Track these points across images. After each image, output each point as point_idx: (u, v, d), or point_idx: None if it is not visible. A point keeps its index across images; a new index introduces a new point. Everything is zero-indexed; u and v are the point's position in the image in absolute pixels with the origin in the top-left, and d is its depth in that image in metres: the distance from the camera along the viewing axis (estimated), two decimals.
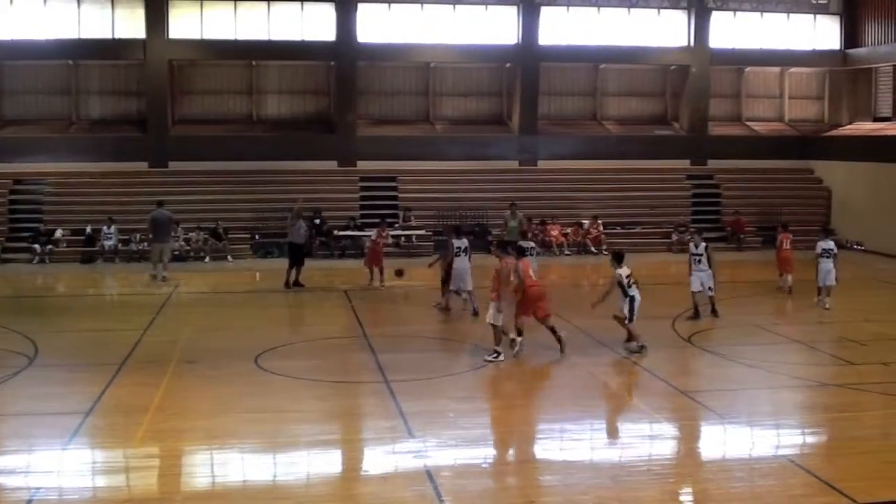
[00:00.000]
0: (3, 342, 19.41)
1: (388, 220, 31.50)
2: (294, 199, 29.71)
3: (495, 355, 17.65)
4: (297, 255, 26.45)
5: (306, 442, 13.42)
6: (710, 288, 22.05)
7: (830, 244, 23.83)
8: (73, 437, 13.37)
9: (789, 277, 25.35)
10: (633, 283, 18.69)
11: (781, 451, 13.37)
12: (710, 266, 21.95)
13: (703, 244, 22.29)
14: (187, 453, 13.15)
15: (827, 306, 23.22)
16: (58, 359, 18.15)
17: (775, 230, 27.52)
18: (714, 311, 22.09)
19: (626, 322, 18.64)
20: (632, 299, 18.57)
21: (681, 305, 22.82)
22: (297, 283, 26.28)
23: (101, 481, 12.18)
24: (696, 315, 21.88)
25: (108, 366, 17.27)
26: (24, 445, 13.36)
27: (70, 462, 12.54)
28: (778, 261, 25.91)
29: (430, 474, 11.93)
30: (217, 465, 12.75)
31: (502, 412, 15.32)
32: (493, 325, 17.74)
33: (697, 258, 21.99)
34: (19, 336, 19.81)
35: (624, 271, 18.74)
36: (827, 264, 23.27)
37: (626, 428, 14.45)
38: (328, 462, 12.99)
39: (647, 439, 13.92)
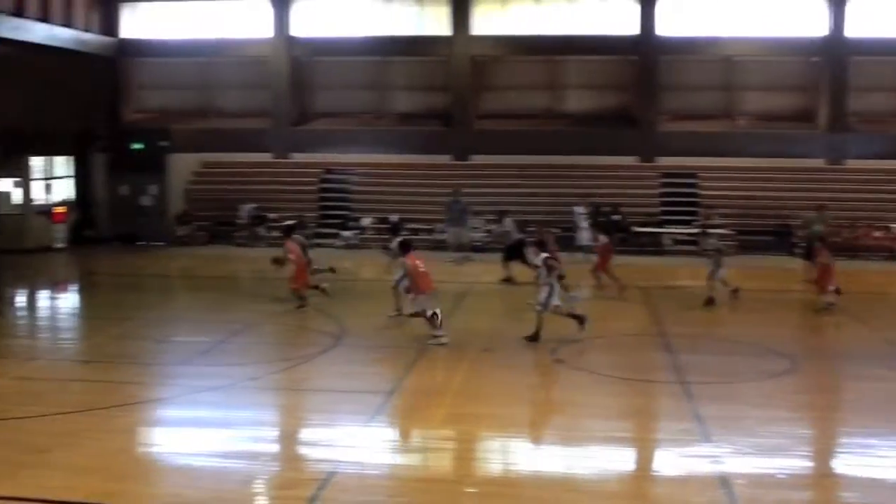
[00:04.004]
0: (314, 323, 20.66)
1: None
2: (593, 194, 29.71)
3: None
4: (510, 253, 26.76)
5: (599, 437, 13.35)
6: None
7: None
8: (376, 416, 13.96)
9: None
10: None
11: None
12: None
13: None
14: (482, 439, 13.40)
15: None
16: (362, 340, 19.03)
17: None
18: None
19: None
20: None
21: None
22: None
23: (400, 459, 12.67)
24: None
25: (408, 349, 17.94)
26: (328, 420, 14.12)
27: (371, 439, 13.02)
28: None
29: (724, 481, 11.58)
30: (510, 452, 12.93)
31: (802, 422, 14.67)
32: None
33: None
34: (328, 318, 20.97)
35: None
36: None
37: None
38: (620, 459, 12.85)
39: None
